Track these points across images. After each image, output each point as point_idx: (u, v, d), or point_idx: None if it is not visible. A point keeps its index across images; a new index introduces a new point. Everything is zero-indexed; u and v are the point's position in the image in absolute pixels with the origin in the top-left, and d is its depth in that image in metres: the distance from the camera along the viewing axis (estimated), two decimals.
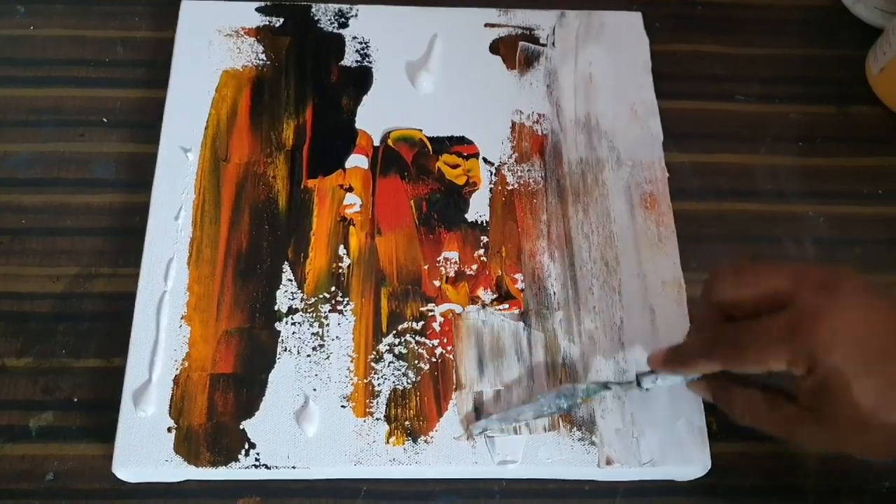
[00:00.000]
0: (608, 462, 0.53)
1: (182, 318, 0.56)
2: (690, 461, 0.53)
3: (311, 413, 0.53)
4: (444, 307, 0.57)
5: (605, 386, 0.53)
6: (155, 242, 0.58)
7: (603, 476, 0.54)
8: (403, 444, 0.53)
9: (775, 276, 0.45)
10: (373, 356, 0.55)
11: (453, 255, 0.59)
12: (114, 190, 0.62)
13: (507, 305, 0.57)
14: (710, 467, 0.54)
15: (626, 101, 0.66)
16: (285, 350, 0.55)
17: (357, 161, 0.62)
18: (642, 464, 0.53)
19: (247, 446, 0.52)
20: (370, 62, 0.66)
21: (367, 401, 0.54)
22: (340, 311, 0.57)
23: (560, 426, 0.53)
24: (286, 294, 0.57)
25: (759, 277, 0.46)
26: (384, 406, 0.54)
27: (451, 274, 0.59)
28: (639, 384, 0.52)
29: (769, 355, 0.44)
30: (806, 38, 0.72)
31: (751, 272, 0.47)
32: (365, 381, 0.55)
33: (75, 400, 0.55)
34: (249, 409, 0.53)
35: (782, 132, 0.68)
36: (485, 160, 0.63)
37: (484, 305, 0.57)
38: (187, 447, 0.52)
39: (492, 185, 0.62)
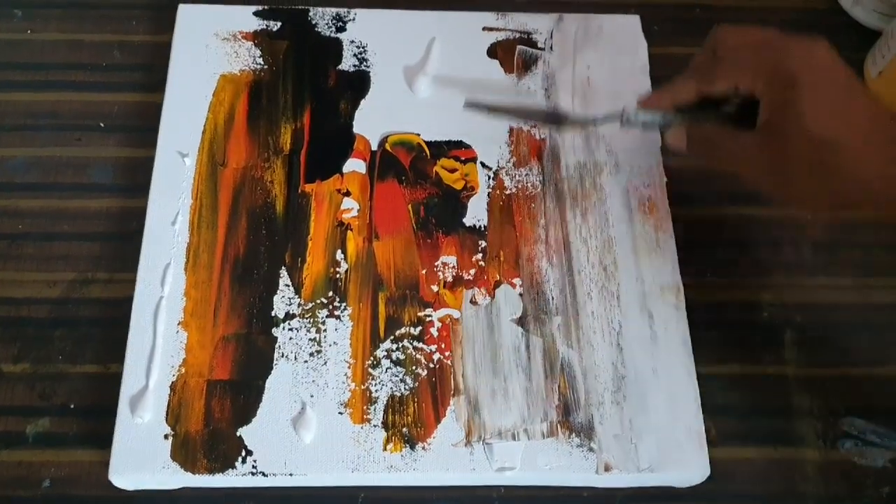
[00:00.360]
0: (607, 468, 0.52)
1: (179, 324, 0.56)
2: (689, 467, 0.53)
3: (309, 420, 0.53)
4: (441, 312, 0.57)
5: (589, 122, 0.58)
6: (152, 247, 0.58)
7: (601, 482, 0.53)
8: (401, 450, 0.53)
9: (764, 30, 0.52)
10: (370, 362, 0.55)
11: (451, 259, 0.59)
12: (111, 195, 0.62)
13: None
14: (708, 473, 0.53)
15: (625, 104, 0.65)
16: (282, 356, 0.55)
17: (355, 165, 0.62)
18: (641, 470, 0.53)
19: (244, 453, 0.52)
20: (368, 66, 0.66)
21: (365, 407, 0.54)
22: (338, 317, 0.57)
23: (558, 432, 0.53)
24: (283, 299, 0.57)
25: (752, 29, 0.52)
26: (382, 412, 0.54)
27: (449, 279, 0.58)
28: (622, 120, 0.55)
29: (735, 68, 0.50)
30: None
31: (748, 27, 0.53)
32: (362, 387, 0.54)
33: (72, 406, 0.55)
34: (246, 415, 0.53)
35: None
36: (483, 164, 0.63)
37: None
38: (184, 454, 0.52)
39: (490, 190, 0.62)
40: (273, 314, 0.56)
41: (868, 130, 0.47)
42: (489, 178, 0.62)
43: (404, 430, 0.53)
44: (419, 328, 0.56)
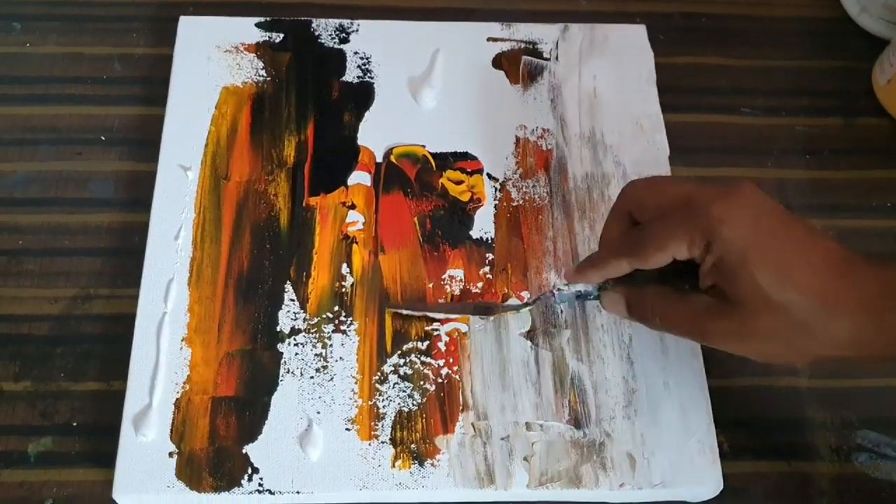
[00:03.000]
0: (620, 484, 0.52)
1: (183, 340, 0.55)
2: (702, 482, 0.52)
3: (315, 437, 0.52)
4: (449, 326, 0.56)
5: (523, 306, 0.56)
6: (155, 263, 0.57)
7: (614, 498, 0.53)
8: (410, 467, 0.52)
9: (680, 182, 0.48)
10: (377, 377, 0.54)
11: (458, 272, 0.58)
12: (112, 209, 0.61)
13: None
14: (722, 487, 0.53)
15: (632, 115, 0.65)
16: (288, 372, 0.54)
17: (359, 178, 0.61)
18: (653, 485, 0.52)
19: (250, 471, 0.51)
20: (372, 78, 0.66)
21: (372, 423, 0.53)
22: (344, 332, 0.56)
23: (569, 448, 0.52)
24: (288, 314, 0.56)
25: (665, 182, 0.50)
26: (389, 429, 0.53)
27: (457, 292, 0.58)
28: (554, 298, 0.53)
29: (668, 238, 0.45)
30: (811, 49, 0.72)
31: (661, 180, 0.52)
32: (369, 403, 0.54)
33: (74, 424, 0.54)
34: (252, 432, 0.52)
35: (789, 145, 0.67)
36: (489, 176, 0.62)
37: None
38: (189, 472, 0.51)
39: (496, 202, 0.61)
40: (278, 329, 0.56)
41: (827, 283, 0.43)
42: (496, 189, 0.62)
43: (413, 446, 0.52)
44: (426, 343, 0.56)
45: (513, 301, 0.57)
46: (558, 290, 0.52)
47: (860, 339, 0.43)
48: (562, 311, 0.53)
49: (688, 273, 0.46)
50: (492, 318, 0.56)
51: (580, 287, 0.52)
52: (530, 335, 0.56)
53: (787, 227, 0.44)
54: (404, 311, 0.56)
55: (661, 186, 0.48)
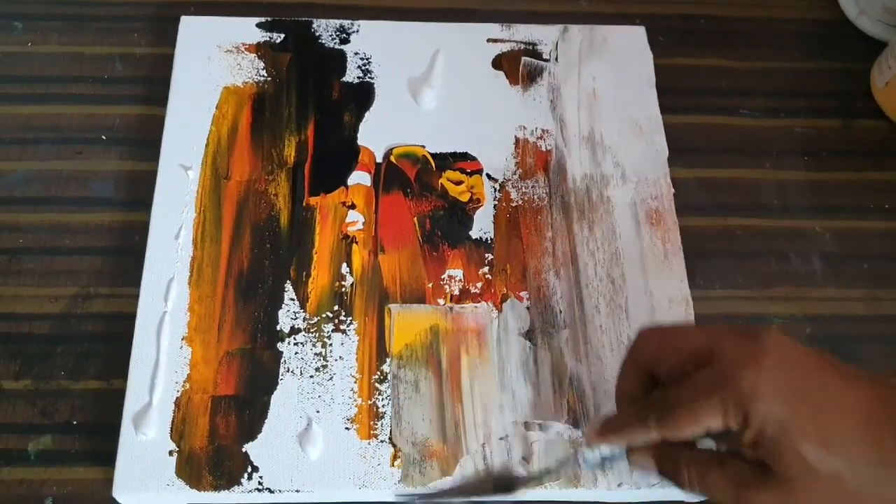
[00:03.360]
0: (618, 484, 0.52)
1: (183, 339, 0.55)
2: None
3: (315, 435, 0.52)
4: None
5: (546, 473, 0.51)
6: (155, 262, 0.57)
7: (612, 497, 0.53)
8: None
9: (697, 334, 0.44)
10: (377, 377, 0.55)
11: (457, 272, 0.58)
12: (113, 209, 0.62)
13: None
14: None
15: (631, 116, 0.65)
16: (288, 371, 0.54)
17: (359, 178, 0.62)
18: (651, 485, 0.52)
19: (249, 470, 0.51)
20: (372, 78, 0.66)
21: (372, 422, 0.53)
22: (343, 331, 0.56)
23: (568, 448, 0.53)
24: (288, 314, 0.56)
25: (682, 337, 0.45)
26: (389, 428, 0.53)
27: (456, 292, 0.58)
28: (577, 460, 0.50)
29: (701, 411, 0.41)
30: (810, 51, 0.72)
31: (673, 332, 0.46)
32: (369, 402, 0.54)
33: (74, 423, 0.55)
34: (252, 431, 0.52)
35: (787, 146, 0.67)
36: (488, 176, 0.62)
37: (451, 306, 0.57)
38: (189, 471, 0.51)
39: (496, 202, 0.61)
40: (278, 329, 0.56)
41: (873, 442, 0.40)
42: (495, 190, 0.62)
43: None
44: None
45: (515, 307, 0.57)
46: (583, 455, 0.48)
47: None
48: (586, 464, 0.49)
49: (723, 433, 0.42)
50: (515, 493, 0.51)
51: (606, 450, 0.47)
52: (529, 335, 0.56)
53: (822, 381, 0.41)
54: (418, 502, 0.51)
55: (677, 340, 0.45)
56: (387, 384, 0.54)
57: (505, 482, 0.51)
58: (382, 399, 0.54)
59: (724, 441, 0.44)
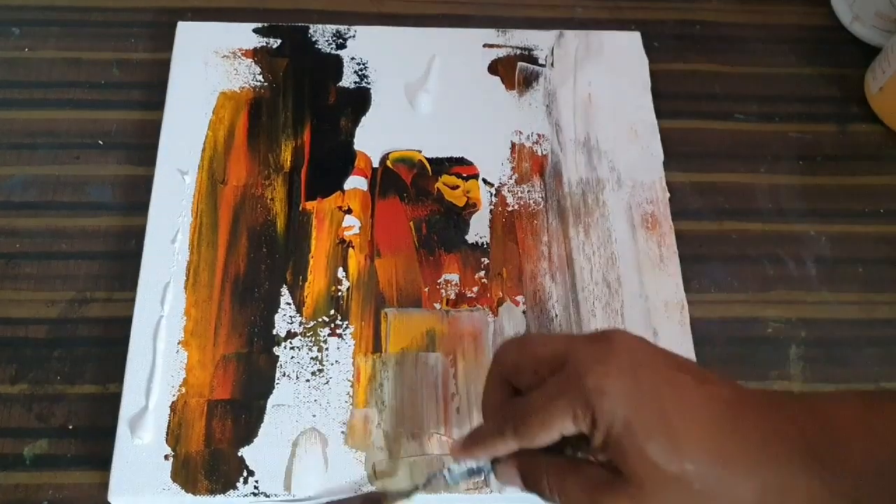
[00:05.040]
0: None
1: (179, 343, 0.55)
2: None
3: (310, 440, 0.52)
4: None
5: (412, 492, 0.50)
6: (151, 266, 0.57)
7: None
8: None
9: (552, 341, 0.44)
10: (373, 381, 0.55)
11: (454, 277, 0.59)
12: (110, 213, 0.62)
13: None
14: None
15: (626, 120, 0.65)
16: (284, 375, 0.55)
17: (356, 183, 0.62)
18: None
19: (245, 474, 0.51)
20: (368, 83, 0.66)
21: (367, 427, 0.53)
22: (340, 335, 0.56)
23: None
24: (284, 318, 0.56)
25: (538, 345, 0.45)
26: (384, 432, 0.53)
27: (452, 296, 0.58)
28: (445, 477, 0.48)
29: (552, 416, 0.41)
30: (804, 56, 0.72)
31: (531, 340, 0.47)
32: (365, 406, 0.54)
33: (70, 427, 0.54)
34: (248, 435, 0.53)
35: (782, 151, 0.68)
36: (484, 181, 0.62)
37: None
38: (185, 475, 0.51)
39: (492, 207, 0.61)
40: (274, 333, 0.56)
41: (719, 443, 0.40)
42: (491, 194, 0.62)
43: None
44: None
45: (508, 307, 0.58)
46: (448, 470, 0.47)
47: (763, 496, 0.39)
48: (451, 478, 0.48)
49: (581, 438, 0.42)
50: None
51: (472, 463, 0.47)
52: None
53: (670, 381, 0.41)
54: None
55: (533, 347, 0.45)
56: (383, 388, 0.54)
57: (373, 499, 0.51)
58: (378, 403, 0.54)
59: (583, 449, 0.43)
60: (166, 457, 0.52)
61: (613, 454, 0.40)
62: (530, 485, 0.45)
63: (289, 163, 0.62)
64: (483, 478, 0.47)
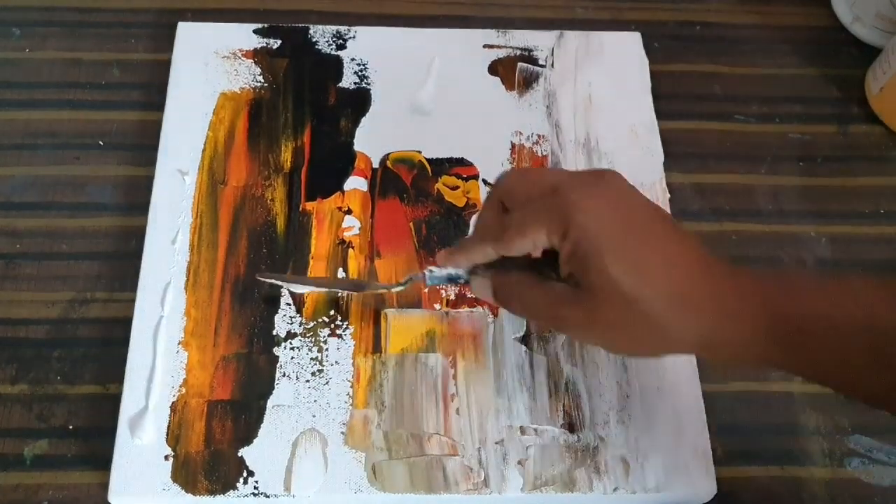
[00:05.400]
0: (613, 488, 0.52)
1: (179, 344, 0.55)
2: (695, 486, 0.53)
3: (310, 440, 0.52)
4: None
5: (393, 286, 0.55)
6: (152, 267, 0.57)
7: (608, 502, 0.53)
8: None
9: (552, 173, 0.48)
10: (372, 381, 0.55)
11: None
12: (110, 214, 0.62)
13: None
14: (715, 492, 0.53)
15: (626, 121, 0.65)
16: (284, 375, 0.55)
17: (356, 183, 0.62)
18: (647, 490, 0.52)
19: (245, 474, 0.51)
20: (368, 84, 0.66)
21: (367, 427, 0.53)
22: (340, 336, 0.56)
23: (563, 452, 0.53)
24: (284, 318, 0.56)
25: (536, 174, 0.49)
26: (384, 432, 0.53)
27: (452, 297, 0.58)
28: (426, 280, 0.51)
29: (528, 225, 0.44)
30: (805, 57, 0.72)
31: (531, 171, 0.51)
32: (365, 407, 0.54)
33: (70, 427, 0.55)
34: (248, 436, 0.53)
35: (782, 152, 0.68)
36: (484, 182, 0.62)
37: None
38: (185, 475, 0.51)
39: None
40: (274, 333, 0.56)
41: (680, 282, 0.42)
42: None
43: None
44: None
45: None
46: (430, 271, 0.51)
47: (708, 341, 0.43)
48: (429, 278, 0.51)
49: (555, 263, 0.45)
50: (362, 293, 0.57)
51: (451, 270, 0.50)
52: (525, 340, 0.56)
53: (650, 221, 0.44)
54: (269, 280, 0.56)
55: (533, 176, 0.48)
56: (382, 389, 0.54)
57: (355, 283, 0.57)
58: (378, 404, 0.54)
59: (554, 271, 0.46)
60: (166, 457, 0.52)
61: (577, 266, 0.43)
62: (500, 299, 0.49)
63: (289, 163, 0.62)
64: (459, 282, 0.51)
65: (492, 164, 0.63)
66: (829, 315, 0.41)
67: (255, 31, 0.68)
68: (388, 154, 0.63)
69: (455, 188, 0.62)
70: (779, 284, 0.43)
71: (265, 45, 0.67)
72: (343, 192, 0.61)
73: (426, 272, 0.51)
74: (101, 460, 0.52)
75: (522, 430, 0.53)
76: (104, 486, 0.51)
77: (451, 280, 0.51)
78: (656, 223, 0.44)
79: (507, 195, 0.47)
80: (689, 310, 0.42)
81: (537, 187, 0.45)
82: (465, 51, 0.68)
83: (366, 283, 0.57)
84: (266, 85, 0.65)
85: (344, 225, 0.60)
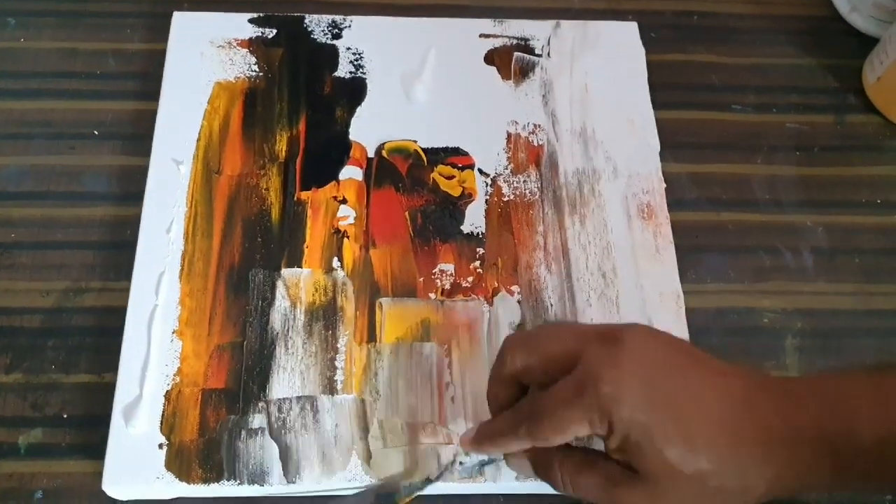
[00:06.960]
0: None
1: (174, 333, 0.55)
2: None
3: (305, 428, 0.52)
4: None
5: (424, 484, 0.50)
6: (146, 256, 0.57)
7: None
8: None
9: (561, 337, 0.44)
10: (367, 370, 0.55)
11: (449, 267, 0.59)
12: (105, 203, 0.62)
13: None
14: None
15: (623, 111, 0.65)
16: (278, 365, 0.54)
17: (351, 173, 0.62)
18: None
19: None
20: (364, 73, 0.66)
21: (361, 416, 0.53)
22: (334, 325, 0.56)
23: None
24: (279, 309, 0.56)
25: (547, 341, 0.45)
26: (378, 420, 0.53)
27: (447, 286, 0.58)
28: (457, 470, 0.49)
29: (566, 420, 0.42)
30: (802, 47, 0.72)
31: (538, 337, 0.46)
32: (359, 395, 0.54)
33: (65, 416, 0.54)
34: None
35: (779, 142, 0.67)
36: (480, 171, 0.62)
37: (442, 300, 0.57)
38: (179, 464, 0.51)
39: (487, 197, 0.61)
40: (269, 324, 0.56)
41: (733, 441, 0.41)
42: (487, 185, 0.62)
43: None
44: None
45: (504, 299, 0.57)
46: (461, 463, 0.49)
47: (777, 488, 0.41)
48: (463, 468, 0.49)
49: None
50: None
51: (483, 455, 0.49)
52: (520, 329, 0.56)
53: (685, 379, 0.42)
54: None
55: (542, 345, 0.45)
56: (377, 377, 0.54)
57: (387, 491, 0.51)
58: (372, 392, 0.54)
59: (594, 442, 0.44)
60: (160, 446, 0.51)
61: (631, 456, 0.41)
62: (543, 475, 0.46)
63: (284, 153, 0.62)
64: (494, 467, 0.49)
65: (488, 154, 0.63)
66: (884, 431, 0.40)
67: (251, 21, 0.68)
68: (383, 143, 0.63)
69: (451, 178, 0.62)
70: (827, 405, 0.41)
71: (260, 34, 0.67)
72: (338, 181, 0.61)
73: (458, 465, 0.49)
74: (96, 449, 0.52)
75: None
76: (98, 475, 0.51)
77: (484, 465, 0.49)
78: (692, 378, 0.42)
79: (522, 374, 0.45)
80: (749, 470, 0.41)
81: (553, 362, 0.43)
82: (462, 40, 0.68)
83: (398, 488, 0.51)
84: (261, 74, 0.65)
85: (339, 214, 0.60)
